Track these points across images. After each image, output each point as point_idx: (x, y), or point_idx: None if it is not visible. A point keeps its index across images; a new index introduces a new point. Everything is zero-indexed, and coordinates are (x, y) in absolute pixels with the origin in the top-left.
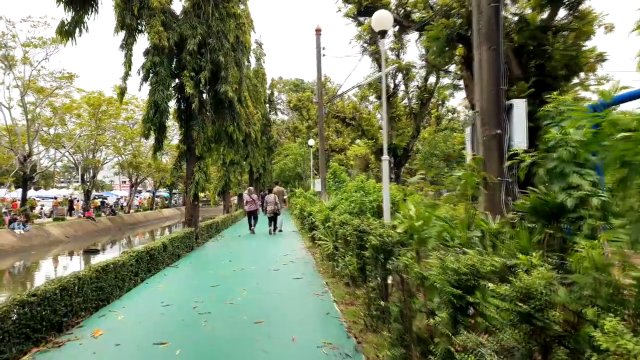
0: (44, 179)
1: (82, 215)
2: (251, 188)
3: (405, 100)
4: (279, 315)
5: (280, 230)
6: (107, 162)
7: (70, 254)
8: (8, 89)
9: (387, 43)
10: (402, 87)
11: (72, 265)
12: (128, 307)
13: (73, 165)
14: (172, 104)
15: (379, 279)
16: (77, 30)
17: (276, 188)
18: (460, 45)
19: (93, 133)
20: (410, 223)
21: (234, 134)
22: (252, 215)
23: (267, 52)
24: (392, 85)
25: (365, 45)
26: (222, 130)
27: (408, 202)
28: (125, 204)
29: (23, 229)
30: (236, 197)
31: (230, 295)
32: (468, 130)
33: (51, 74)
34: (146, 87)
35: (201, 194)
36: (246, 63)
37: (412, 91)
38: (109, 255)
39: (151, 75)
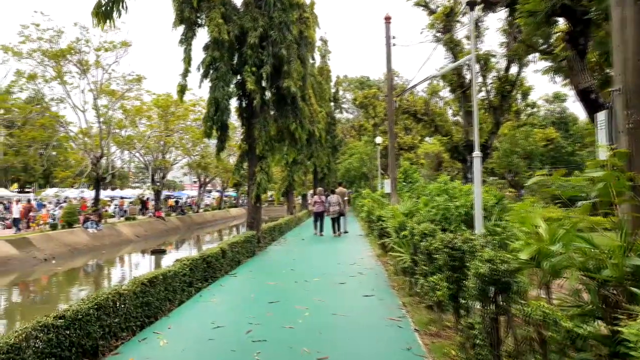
0: (120, 179)
1: (152, 215)
2: (320, 189)
3: (483, 93)
4: (347, 347)
5: (346, 232)
6: (176, 163)
7: (138, 254)
8: (82, 92)
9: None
10: (480, 79)
11: (135, 267)
12: (175, 327)
13: (144, 166)
14: (234, 102)
15: (486, 318)
16: (115, 11)
17: (339, 189)
18: (562, 21)
19: (162, 134)
20: (539, 245)
21: (297, 132)
22: (319, 217)
23: (332, 50)
24: (467, 77)
25: (438, 34)
26: (284, 128)
27: (533, 213)
28: (191, 203)
29: (96, 228)
30: (300, 197)
31: (290, 316)
32: (601, 116)
33: (123, 77)
34: (206, 84)
35: (265, 194)
36: (311, 61)
37: (491, 83)
38: (175, 256)
39: (211, 71)
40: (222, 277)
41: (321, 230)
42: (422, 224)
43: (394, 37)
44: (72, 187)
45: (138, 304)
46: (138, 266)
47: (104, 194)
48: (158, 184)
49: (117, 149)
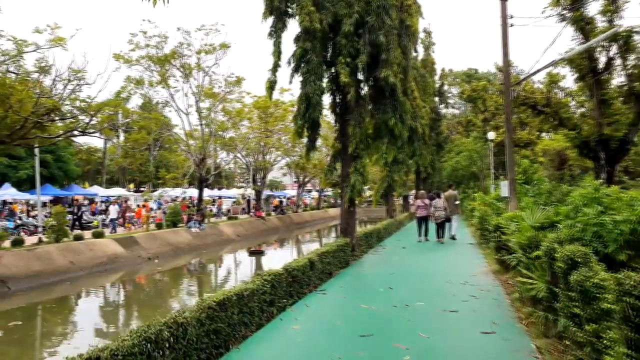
0: (226, 179)
1: (253, 215)
2: (422, 192)
3: (622, 78)
4: None
5: (454, 238)
6: (276, 164)
7: (237, 254)
8: (186, 95)
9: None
10: (618, 62)
11: (233, 268)
12: None
13: (245, 167)
14: (327, 99)
15: None
16: None
17: (448, 192)
18: None
19: (262, 135)
20: None
21: (396, 127)
22: (423, 222)
23: (435, 42)
24: (601, 60)
25: (564, 12)
26: (382, 124)
27: None
28: (289, 203)
29: (199, 227)
30: (401, 199)
31: (386, 359)
32: None
33: (226, 80)
34: (297, 80)
35: (361, 196)
36: (413, 53)
37: (632, 66)
38: (273, 257)
39: (302, 64)
40: (309, 294)
41: (425, 235)
42: (568, 245)
43: (511, 17)
44: (175, 187)
45: (203, 333)
46: (236, 267)
47: (211, 194)
48: (259, 184)
49: (219, 150)
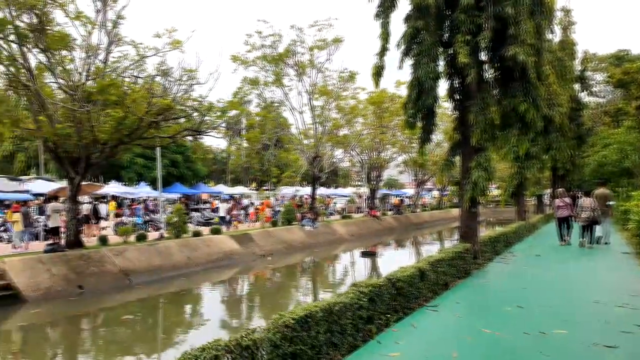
0: (343, 177)
1: (367, 214)
2: (561, 190)
3: None
4: None
5: (606, 243)
6: (392, 161)
7: (349, 254)
8: (299, 94)
9: None
10: None
11: (344, 269)
12: None
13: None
14: (443, 85)
15: None
16: None
17: (600, 190)
18: None
19: (376, 132)
20: None
21: (528, 114)
22: (564, 223)
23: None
24: None
25: None
26: (510, 110)
27: None
28: (408, 202)
29: (312, 226)
30: (534, 199)
31: None
32: None
33: (339, 76)
34: (408, 63)
35: (486, 195)
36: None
37: None
38: (387, 259)
39: (413, 46)
40: (416, 310)
41: (567, 236)
42: None
43: None
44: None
45: (278, 357)
46: (347, 268)
47: (324, 192)
48: (373, 182)
49: (333, 148)
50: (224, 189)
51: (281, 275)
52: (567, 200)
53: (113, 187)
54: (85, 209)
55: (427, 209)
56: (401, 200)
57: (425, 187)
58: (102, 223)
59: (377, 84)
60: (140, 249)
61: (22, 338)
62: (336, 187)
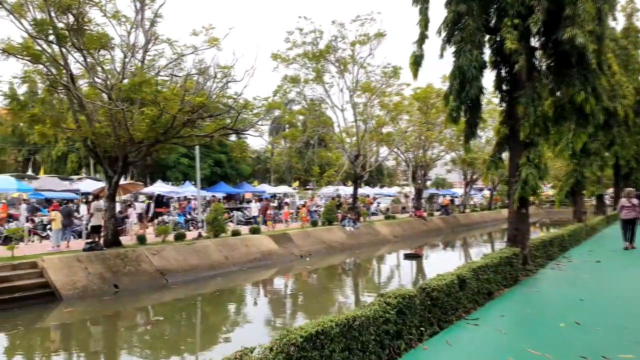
0: (388, 177)
1: (413, 214)
2: (630, 190)
3: None
4: None
5: None
6: (439, 159)
7: (392, 255)
8: (341, 91)
9: None
10: None
11: (386, 273)
12: None
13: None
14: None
15: None
16: None
17: None
18: None
19: (422, 129)
20: None
21: (587, 105)
22: (629, 225)
23: None
24: None
25: None
26: (566, 101)
27: None
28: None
29: (353, 226)
30: (594, 199)
31: None
32: None
33: (382, 72)
34: (449, 51)
35: (533, 195)
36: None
37: None
38: (431, 262)
39: (455, 32)
40: (454, 324)
41: (631, 241)
42: None
43: None
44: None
45: None
46: (390, 270)
47: (372, 192)
48: (419, 181)
49: (376, 146)
50: (267, 189)
51: (318, 276)
52: (635, 201)
53: (159, 187)
54: (139, 207)
55: (477, 209)
56: (451, 200)
57: (475, 186)
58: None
59: (415, 74)
60: (177, 248)
61: (48, 337)
62: (381, 187)
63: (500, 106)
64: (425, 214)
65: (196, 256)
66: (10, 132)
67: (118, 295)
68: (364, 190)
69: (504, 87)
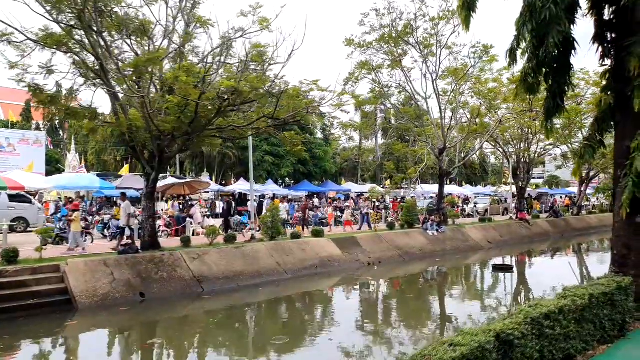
0: (494, 174)
1: (514, 217)
2: None
3: None
4: None
5: None
6: (545, 153)
7: (480, 267)
8: (424, 77)
9: None
10: None
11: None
12: None
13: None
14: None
15: None
16: None
17: None
18: None
19: (522, 118)
20: None
21: None
22: None
23: None
24: None
25: None
26: None
27: None
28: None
29: (437, 230)
30: None
31: None
32: None
33: (473, 53)
34: None
35: None
36: None
37: None
38: (529, 276)
39: None
40: None
41: None
42: None
43: None
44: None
45: None
46: (469, 288)
47: (474, 191)
48: (522, 179)
49: (466, 139)
50: (353, 187)
51: (376, 292)
52: None
53: (240, 185)
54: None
55: (596, 211)
56: (573, 201)
57: (592, 184)
58: (207, 221)
59: (467, 23)
60: (222, 252)
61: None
62: (485, 186)
63: (603, 64)
64: (528, 217)
65: (242, 261)
66: (110, 132)
67: (142, 306)
68: (463, 189)
69: (608, 36)
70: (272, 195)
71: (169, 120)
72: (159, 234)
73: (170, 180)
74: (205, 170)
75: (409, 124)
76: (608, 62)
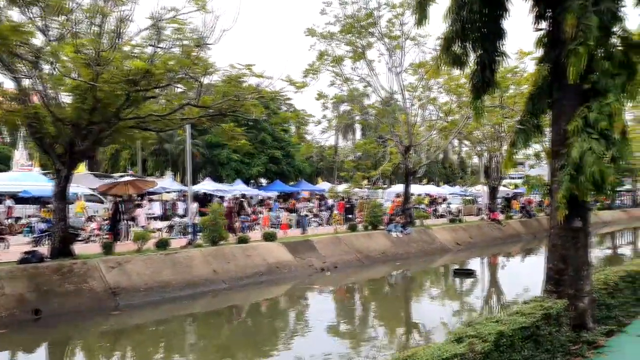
0: (473, 174)
1: (487, 218)
2: None
3: None
4: None
5: None
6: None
7: (439, 272)
8: (390, 70)
9: None
10: None
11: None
12: None
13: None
14: None
15: None
16: None
17: None
18: None
19: (494, 115)
20: None
21: None
22: None
23: None
24: None
25: None
26: None
27: None
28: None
29: (401, 231)
30: None
31: None
32: None
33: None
34: None
35: (596, 192)
36: None
37: None
38: (490, 282)
39: None
40: None
41: None
42: None
43: None
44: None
45: None
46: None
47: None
48: (494, 179)
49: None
50: (329, 187)
51: (320, 301)
52: None
53: (205, 185)
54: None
55: None
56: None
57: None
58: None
59: (421, 19)
60: (148, 260)
61: None
62: (462, 185)
63: (538, 28)
64: (501, 217)
65: (171, 270)
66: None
67: (32, 325)
68: (441, 189)
69: None
70: (242, 196)
71: (69, 108)
72: (93, 238)
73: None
74: (170, 169)
75: (374, 119)
76: (544, 25)
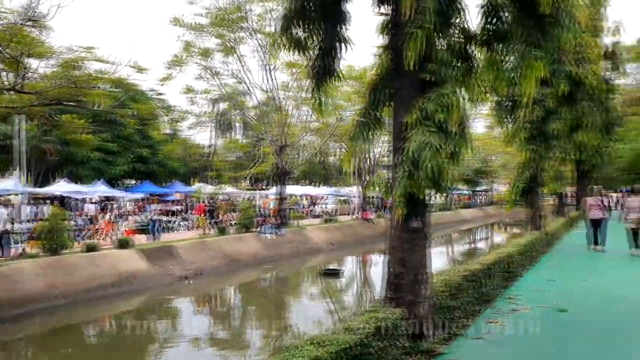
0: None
1: (359, 217)
2: (598, 187)
3: None
4: None
5: None
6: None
7: (308, 274)
8: (265, 67)
9: None
10: None
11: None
12: None
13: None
14: None
15: None
16: None
17: None
18: None
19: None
20: None
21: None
22: (597, 226)
23: None
24: None
25: None
26: None
27: None
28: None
29: (276, 233)
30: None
31: None
32: None
33: None
34: None
35: (435, 189)
36: None
37: None
38: (358, 281)
39: None
40: None
41: (601, 243)
42: None
43: None
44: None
45: None
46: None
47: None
48: (364, 179)
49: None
50: (207, 188)
51: (172, 314)
52: (602, 200)
53: (60, 187)
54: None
55: (434, 210)
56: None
57: None
58: None
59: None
60: None
61: None
62: (340, 186)
63: (379, 12)
64: (372, 216)
65: None
66: None
67: None
68: (320, 190)
69: None
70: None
71: None
72: None
73: None
74: (18, 168)
75: (252, 119)
76: (389, 10)
